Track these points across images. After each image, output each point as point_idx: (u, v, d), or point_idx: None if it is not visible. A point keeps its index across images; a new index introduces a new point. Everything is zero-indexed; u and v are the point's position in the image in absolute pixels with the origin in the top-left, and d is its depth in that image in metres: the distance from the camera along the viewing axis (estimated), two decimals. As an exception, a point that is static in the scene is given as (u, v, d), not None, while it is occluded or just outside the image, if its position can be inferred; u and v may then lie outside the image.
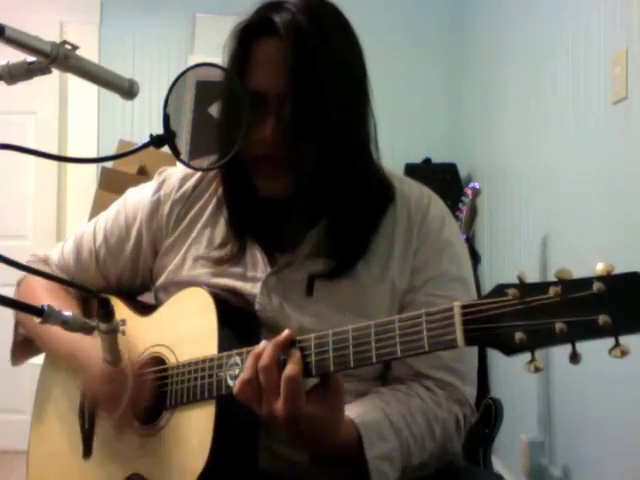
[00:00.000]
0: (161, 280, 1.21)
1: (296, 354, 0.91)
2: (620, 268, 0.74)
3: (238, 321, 1.09)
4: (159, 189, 1.24)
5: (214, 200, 1.20)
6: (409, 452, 1.02)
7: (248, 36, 1.09)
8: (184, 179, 1.24)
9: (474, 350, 1.15)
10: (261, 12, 1.09)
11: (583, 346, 0.75)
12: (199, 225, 1.20)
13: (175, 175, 1.25)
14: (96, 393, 1.13)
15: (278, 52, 1.05)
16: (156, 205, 1.23)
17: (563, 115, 2.41)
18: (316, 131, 1.05)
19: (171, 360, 1.10)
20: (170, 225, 1.22)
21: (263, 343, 0.93)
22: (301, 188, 1.09)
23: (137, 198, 1.26)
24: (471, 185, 2.56)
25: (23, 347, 1.32)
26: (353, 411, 1.00)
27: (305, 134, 1.05)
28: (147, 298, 1.30)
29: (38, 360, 1.35)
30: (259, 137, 1.06)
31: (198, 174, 1.23)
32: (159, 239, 1.23)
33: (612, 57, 2.01)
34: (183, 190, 1.23)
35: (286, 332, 0.93)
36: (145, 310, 1.22)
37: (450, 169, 3.46)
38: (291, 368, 0.89)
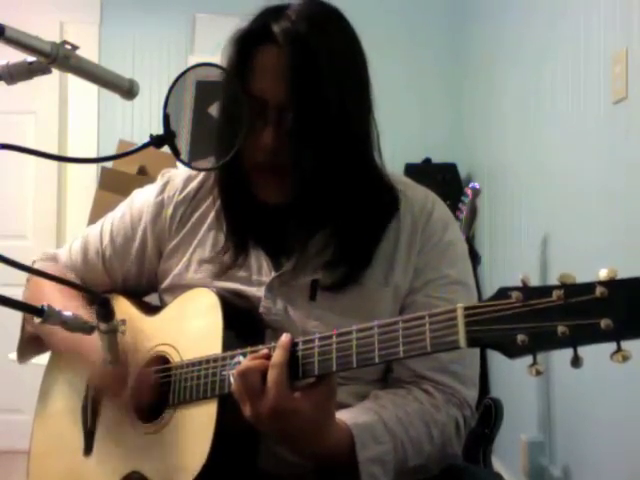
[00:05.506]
0: (166, 283, 1.21)
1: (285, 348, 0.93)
2: (620, 268, 0.74)
3: (243, 322, 1.10)
4: (162, 191, 1.24)
5: (217, 204, 1.20)
6: (405, 455, 1.01)
7: (248, 43, 1.08)
8: (188, 180, 1.24)
9: (475, 353, 1.14)
10: (261, 19, 1.09)
11: (583, 347, 0.74)
12: (204, 227, 1.20)
13: (179, 176, 1.25)
14: (100, 386, 1.14)
15: (278, 60, 1.05)
16: (160, 207, 1.23)
17: (563, 115, 2.41)
18: (316, 139, 1.04)
19: (175, 359, 1.10)
20: (174, 227, 1.22)
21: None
22: (301, 195, 1.08)
23: (142, 199, 1.27)
24: (471, 185, 2.56)
25: (30, 344, 1.32)
26: (347, 414, 1.00)
27: (305, 142, 1.04)
28: (153, 299, 1.30)
29: (39, 360, 1.35)
30: (259, 144, 1.06)
31: (202, 175, 1.23)
32: (163, 241, 1.23)
33: (612, 57, 2.01)
34: (187, 191, 1.23)
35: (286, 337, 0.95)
36: (152, 310, 1.22)
37: (450, 169, 3.46)
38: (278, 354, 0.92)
